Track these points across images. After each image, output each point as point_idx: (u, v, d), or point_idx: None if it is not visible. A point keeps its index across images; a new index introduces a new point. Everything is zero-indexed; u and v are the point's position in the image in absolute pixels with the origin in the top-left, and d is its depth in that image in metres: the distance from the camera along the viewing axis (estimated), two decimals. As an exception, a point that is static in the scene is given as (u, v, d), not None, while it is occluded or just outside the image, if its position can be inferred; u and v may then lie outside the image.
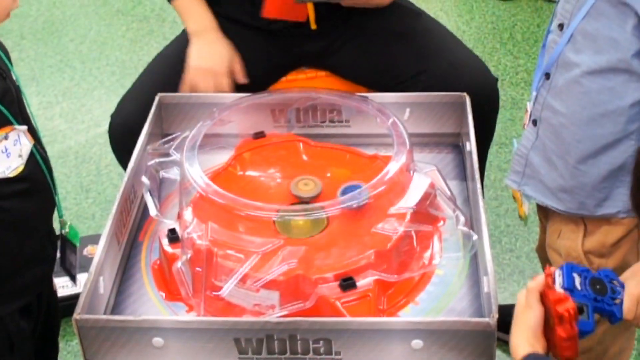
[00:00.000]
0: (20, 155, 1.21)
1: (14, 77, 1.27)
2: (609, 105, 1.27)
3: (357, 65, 1.70)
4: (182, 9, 1.70)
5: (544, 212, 1.49)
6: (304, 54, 1.73)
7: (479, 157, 1.34)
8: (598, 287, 1.07)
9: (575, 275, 1.06)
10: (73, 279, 1.42)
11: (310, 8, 1.62)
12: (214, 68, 1.61)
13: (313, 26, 1.64)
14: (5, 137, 1.19)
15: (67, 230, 1.39)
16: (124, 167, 1.47)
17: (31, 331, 1.34)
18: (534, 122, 1.38)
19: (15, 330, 1.29)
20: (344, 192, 1.25)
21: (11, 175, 1.20)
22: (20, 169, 1.22)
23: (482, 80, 1.64)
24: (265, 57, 1.72)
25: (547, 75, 1.34)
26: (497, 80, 1.69)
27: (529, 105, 1.41)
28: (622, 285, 1.09)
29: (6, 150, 1.19)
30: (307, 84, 1.74)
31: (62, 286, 1.99)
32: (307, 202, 1.26)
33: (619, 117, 1.27)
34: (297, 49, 1.72)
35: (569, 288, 1.05)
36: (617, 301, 1.07)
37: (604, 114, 1.28)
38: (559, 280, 1.05)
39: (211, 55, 1.63)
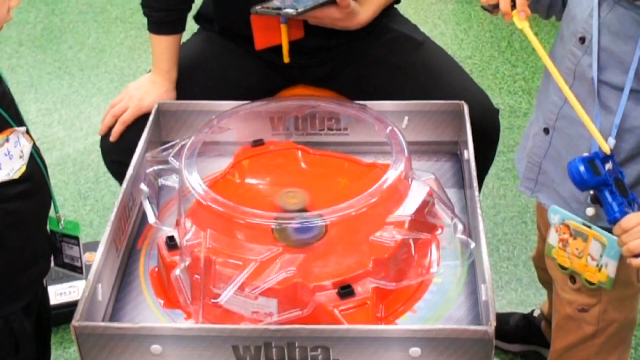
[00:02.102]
0: (21, 157, 1.22)
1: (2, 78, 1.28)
2: (635, 121, 1.26)
3: (355, 94, 1.69)
4: (153, 46, 1.71)
5: (544, 221, 1.49)
6: (303, 79, 1.74)
7: (477, 182, 1.34)
8: (620, 187, 1.10)
9: (605, 165, 1.14)
10: (78, 270, 1.40)
11: (284, 42, 1.60)
12: (135, 98, 1.65)
13: (286, 60, 1.62)
14: (7, 140, 1.20)
15: (63, 225, 1.38)
16: (119, 180, 1.48)
17: (33, 332, 1.34)
18: (546, 131, 1.38)
19: (19, 330, 1.30)
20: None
21: (15, 176, 1.21)
22: (23, 169, 1.23)
23: (483, 113, 1.63)
24: (263, 79, 1.72)
25: None
26: (498, 111, 1.70)
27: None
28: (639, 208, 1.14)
29: (8, 152, 1.20)
30: (306, 92, 1.75)
31: (60, 293, 2.00)
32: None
33: None
34: (296, 74, 1.72)
35: (581, 180, 1.15)
36: (627, 209, 1.10)
37: (630, 130, 1.27)
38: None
39: (143, 91, 1.66)
